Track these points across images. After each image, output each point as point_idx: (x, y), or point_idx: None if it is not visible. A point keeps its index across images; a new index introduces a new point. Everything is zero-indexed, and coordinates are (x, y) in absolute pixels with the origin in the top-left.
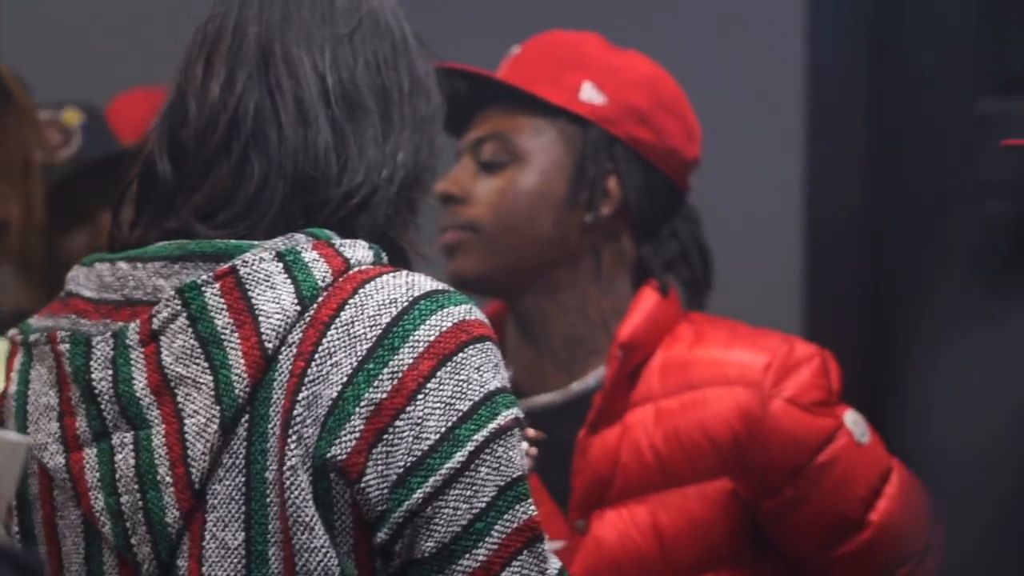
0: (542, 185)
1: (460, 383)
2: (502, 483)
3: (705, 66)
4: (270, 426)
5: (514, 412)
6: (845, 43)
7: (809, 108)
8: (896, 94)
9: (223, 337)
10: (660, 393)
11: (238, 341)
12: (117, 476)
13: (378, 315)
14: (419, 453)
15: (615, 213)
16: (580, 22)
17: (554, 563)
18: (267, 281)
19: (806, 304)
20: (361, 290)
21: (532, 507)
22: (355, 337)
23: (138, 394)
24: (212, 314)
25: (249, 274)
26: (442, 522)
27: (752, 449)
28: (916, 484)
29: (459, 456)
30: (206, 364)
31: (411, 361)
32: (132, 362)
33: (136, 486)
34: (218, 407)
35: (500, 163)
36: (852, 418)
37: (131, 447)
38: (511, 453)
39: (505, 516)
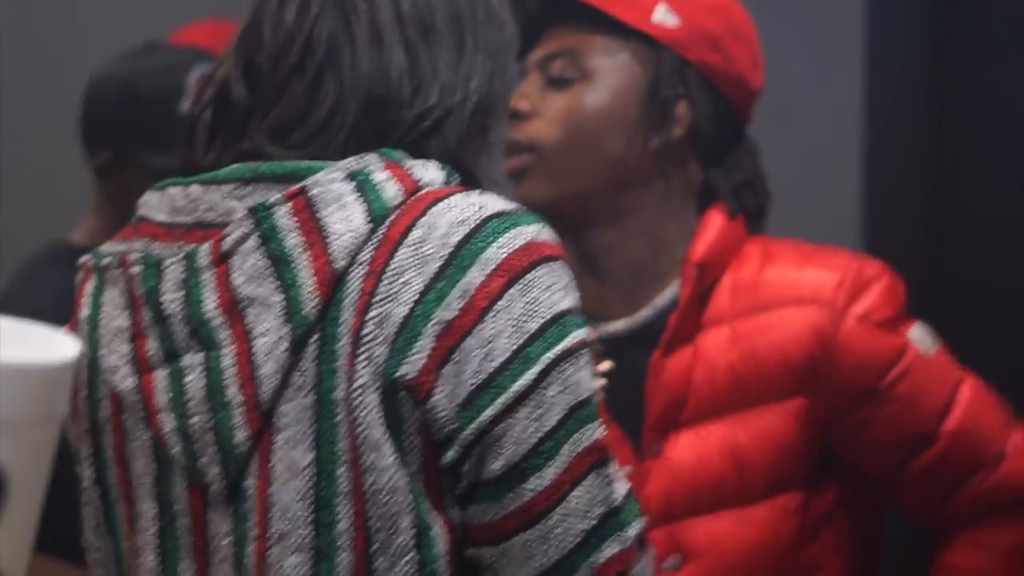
0: (611, 104)
1: (530, 302)
2: (571, 403)
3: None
4: (339, 345)
5: (584, 333)
6: None
7: (869, 40)
8: (957, 22)
9: (293, 256)
10: (732, 314)
11: (308, 260)
12: (187, 397)
13: (448, 234)
14: (488, 372)
15: (683, 138)
16: None
17: (622, 485)
18: (338, 201)
19: (865, 235)
20: (431, 209)
21: (601, 428)
22: (425, 256)
23: (208, 315)
24: (282, 234)
25: (320, 194)
26: (511, 442)
27: (827, 368)
28: (989, 393)
29: (528, 375)
30: (276, 283)
31: (481, 280)
32: (203, 283)
33: (206, 407)
34: (288, 326)
35: (569, 80)
36: (919, 332)
37: (201, 368)
38: (580, 373)
39: (574, 436)
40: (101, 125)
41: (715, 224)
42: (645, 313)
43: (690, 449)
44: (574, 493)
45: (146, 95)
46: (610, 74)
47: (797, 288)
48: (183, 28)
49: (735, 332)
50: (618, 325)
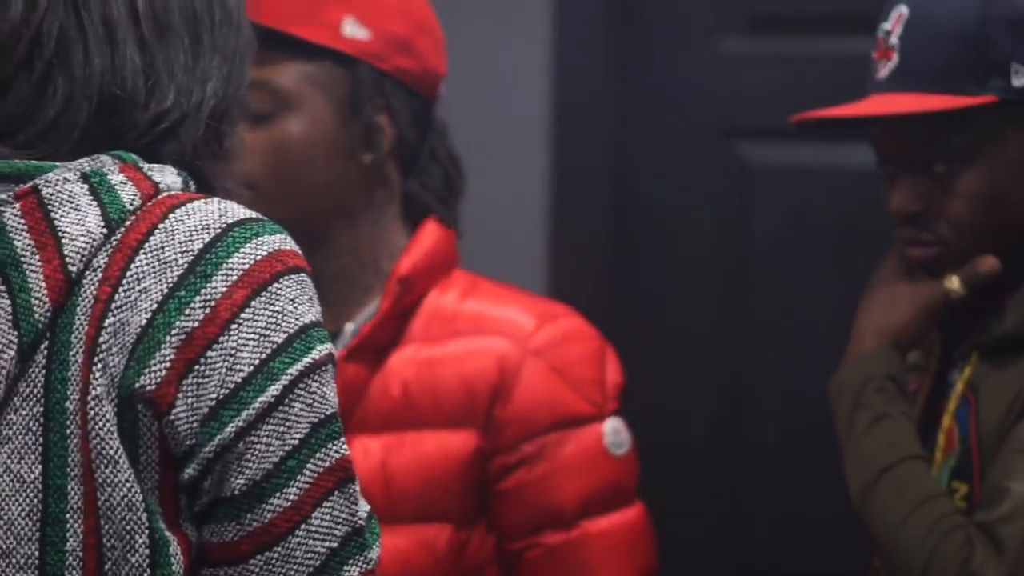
0: (314, 132)
1: (275, 314)
2: (315, 420)
3: None
4: (72, 353)
5: (328, 347)
6: None
7: (555, 53)
8: (642, 34)
9: (23, 259)
10: (423, 337)
11: (39, 263)
12: None
13: (190, 240)
14: (232, 386)
15: (388, 150)
16: None
17: (364, 505)
18: (71, 202)
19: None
20: (171, 215)
21: (345, 446)
22: (165, 263)
23: None
24: (11, 235)
25: (52, 194)
26: (253, 458)
27: (502, 401)
28: (647, 535)
29: (273, 390)
30: (3, 287)
31: (224, 289)
32: None
33: None
34: (16, 332)
35: (267, 114)
36: (614, 425)
37: None
38: (325, 389)
39: (318, 454)
40: None
41: (425, 240)
42: (347, 329)
43: None
44: (316, 513)
45: None
46: (307, 100)
47: (493, 322)
48: None
49: (420, 354)
50: None
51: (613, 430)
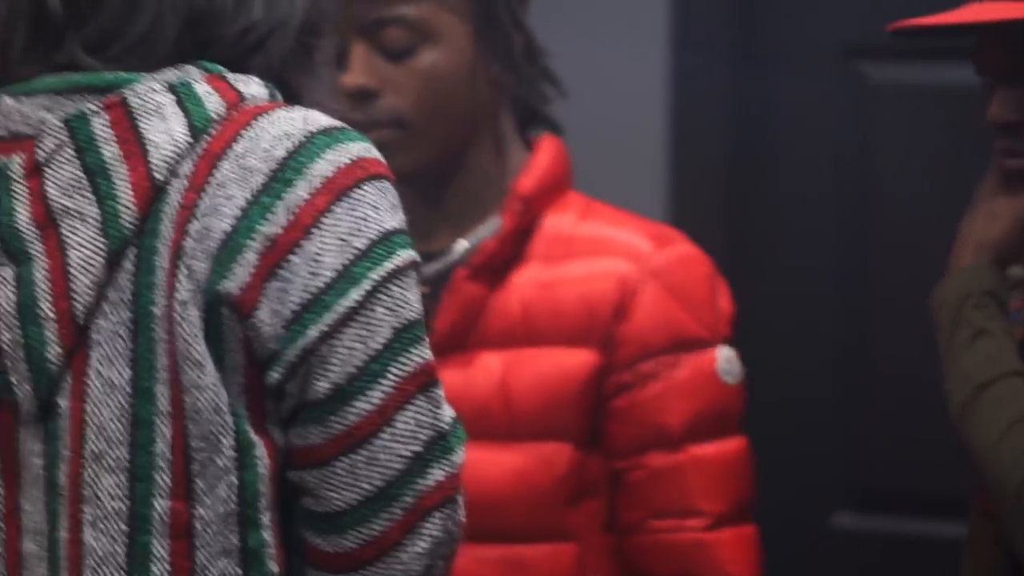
0: (457, 59)
1: (357, 220)
2: (398, 325)
3: None
4: (158, 259)
5: (411, 253)
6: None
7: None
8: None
9: (110, 168)
10: (543, 257)
11: (126, 172)
12: None
13: (272, 148)
14: (314, 290)
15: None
16: None
17: (448, 410)
18: (158, 112)
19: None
20: (255, 123)
21: (428, 351)
22: (248, 169)
23: (20, 228)
24: (99, 144)
25: (139, 104)
26: (337, 362)
27: (620, 317)
28: (747, 464)
29: (355, 294)
30: (92, 195)
31: (307, 196)
32: (15, 195)
33: (16, 322)
34: (104, 239)
35: (407, 48)
36: (726, 353)
37: (12, 283)
38: (407, 294)
39: (400, 358)
40: None
41: (543, 158)
42: (463, 243)
43: (460, 373)
44: (400, 417)
45: None
46: (445, 27)
47: (612, 244)
48: None
49: (541, 274)
50: (439, 254)
51: (726, 358)
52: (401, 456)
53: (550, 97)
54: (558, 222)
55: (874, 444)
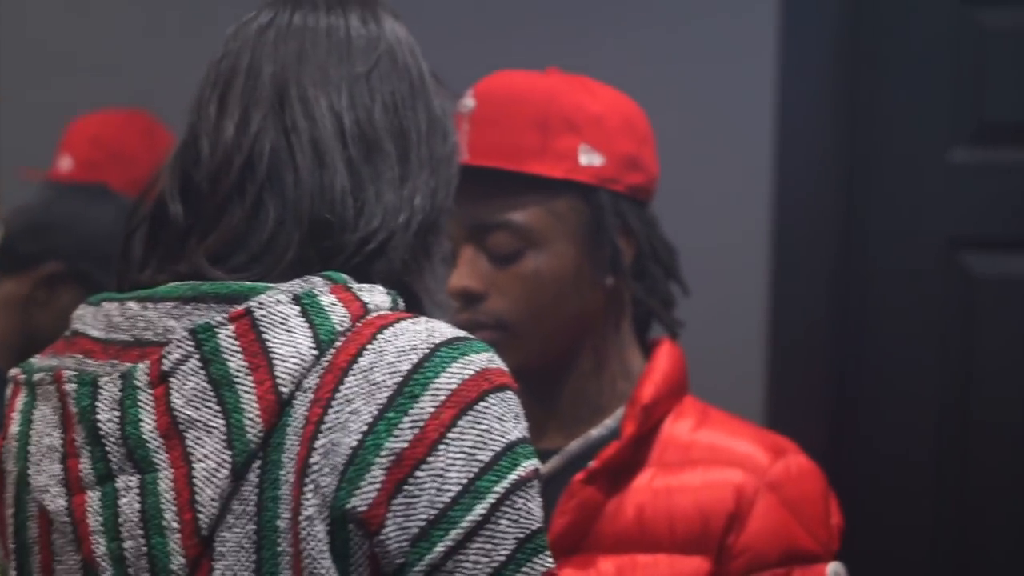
0: (562, 265)
1: (482, 432)
2: (522, 536)
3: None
4: (283, 473)
5: (534, 463)
6: (816, 87)
7: (780, 163)
8: (868, 139)
9: (236, 380)
10: (659, 464)
11: (252, 384)
12: (120, 520)
13: (398, 362)
14: (441, 505)
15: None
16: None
17: None
18: (283, 324)
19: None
20: (380, 335)
21: (550, 559)
22: (374, 384)
23: (146, 436)
24: (225, 356)
25: (264, 316)
26: (462, 575)
27: (735, 528)
28: None
29: (480, 509)
30: (218, 407)
31: (432, 410)
32: (140, 404)
33: (140, 531)
34: (229, 452)
35: (513, 253)
36: (835, 569)
37: (136, 491)
38: (531, 504)
39: (524, 568)
40: (55, 235)
41: (662, 363)
42: (576, 444)
43: None
44: None
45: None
46: (552, 234)
47: (729, 454)
48: (87, 117)
49: (656, 481)
50: (548, 453)
51: (835, 572)
52: None
53: (673, 300)
54: (675, 429)
55: None
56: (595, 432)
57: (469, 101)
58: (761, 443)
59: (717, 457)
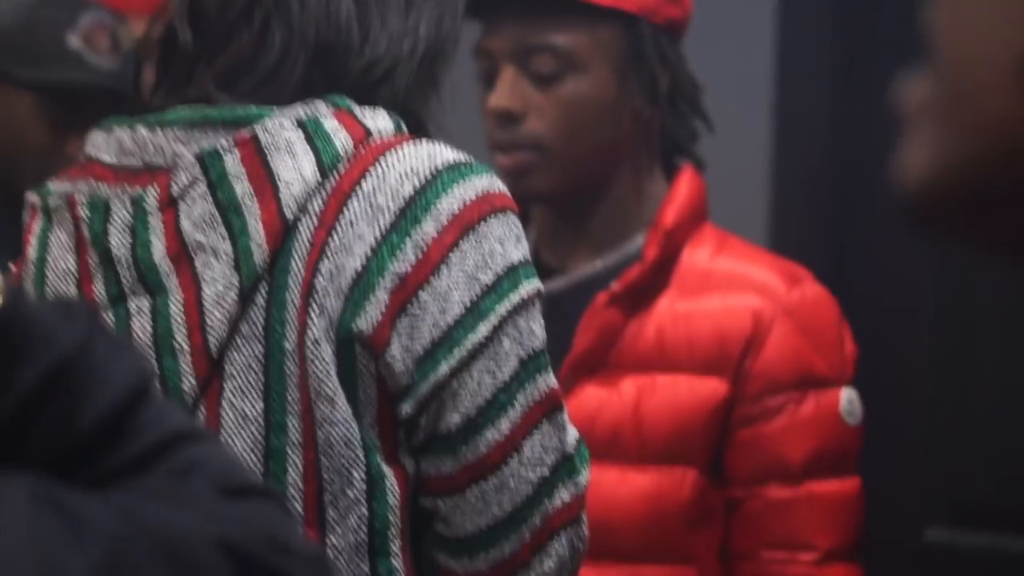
0: (601, 91)
1: (483, 254)
2: (524, 355)
3: None
4: (289, 295)
5: (535, 283)
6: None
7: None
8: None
9: (242, 204)
10: (679, 288)
11: (257, 209)
12: (133, 341)
13: (400, 185)
14: (444, 326)
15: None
16: None
17: (572, 432)
18: (288, 149)
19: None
20: (383, 159)
21: (552, 377)
22: (378, 208)
23: (156, 260)
24: (232, 181)
25: (270, 141)
26: (467, 395)
27: (752, 351)
28: (859, 506)
29: (483, 329)
30: (225, 232)
31: (435, 233)
32: (151, 228)
33: (152, 352)
34: (237, 275)
35: (553, 75)
36: (849, 395)
37: (148, 313)
38: (532, 324)
39: (527, 388)
40: None
41: (684, 190)
42: (599, 265)
43: (596, 395)
44: (527, 443)
45: (38, 21)
46: (596, 61)
47: (747, 281)
48: None
49: (676, 305)
50: (572, 275)
51: (849, 399)
52: (529, 481)
53: (698, 135)
54: (695, 255)
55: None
56: (617, 255)
57: None
58: (778, 270)
59: (735, 283)
